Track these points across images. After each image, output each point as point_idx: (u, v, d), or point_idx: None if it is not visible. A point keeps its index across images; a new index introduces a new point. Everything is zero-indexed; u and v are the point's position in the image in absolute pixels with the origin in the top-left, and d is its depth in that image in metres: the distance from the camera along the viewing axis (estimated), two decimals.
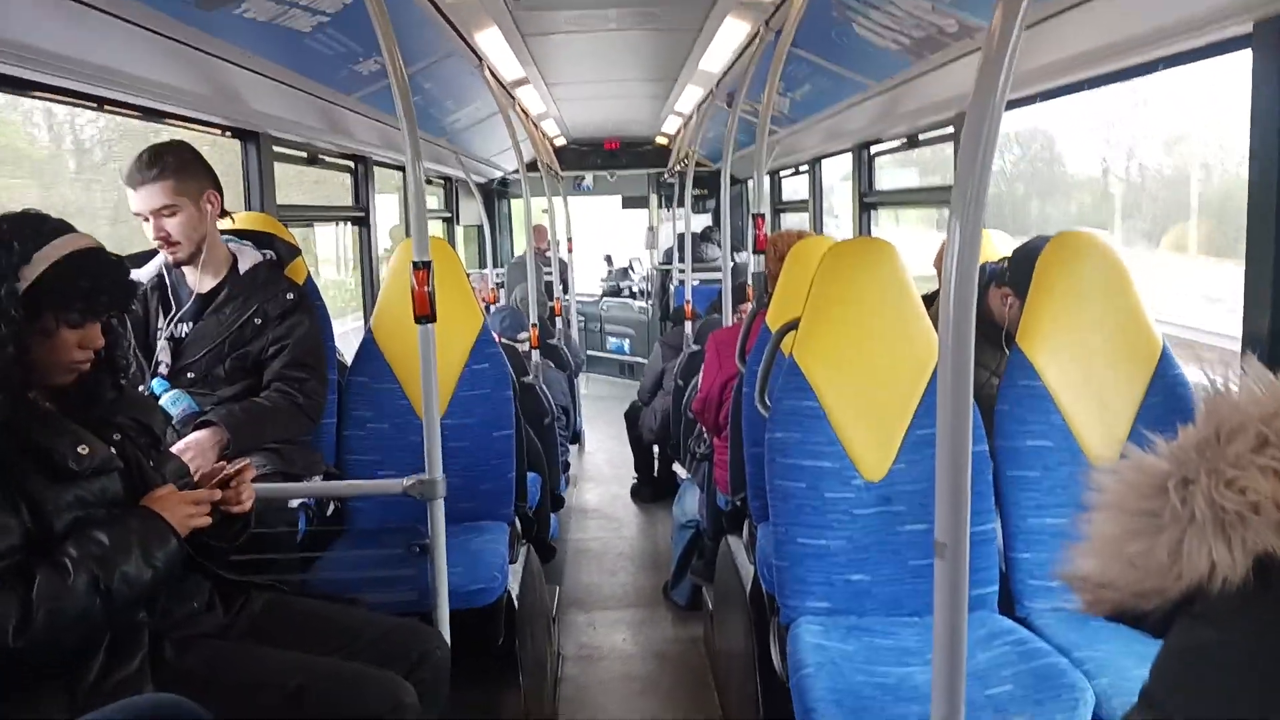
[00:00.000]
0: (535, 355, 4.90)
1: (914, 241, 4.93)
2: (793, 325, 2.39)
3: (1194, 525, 0.74)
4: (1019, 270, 2.54)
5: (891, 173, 4.67)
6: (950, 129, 3.38)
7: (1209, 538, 0.73)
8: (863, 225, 4.64)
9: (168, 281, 2.50)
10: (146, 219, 2.36)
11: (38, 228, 1.58)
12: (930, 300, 2.98)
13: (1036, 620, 2.18)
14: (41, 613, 1.44)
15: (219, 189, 2.43)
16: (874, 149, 4.49)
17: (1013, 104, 2.17)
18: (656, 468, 5.62)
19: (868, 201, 4.61)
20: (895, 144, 4.23)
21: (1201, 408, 0.79)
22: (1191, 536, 0.74)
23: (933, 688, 1.26)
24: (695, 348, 4.78)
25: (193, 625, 1.74)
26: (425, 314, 2.08)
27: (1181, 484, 0.76)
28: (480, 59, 4.07)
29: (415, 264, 2.05)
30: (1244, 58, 1.87)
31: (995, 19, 1.06)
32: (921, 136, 3.89)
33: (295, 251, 2.69)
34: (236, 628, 1.83)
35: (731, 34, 3.76)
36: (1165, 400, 2.24)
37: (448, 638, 2.14)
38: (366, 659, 1.82)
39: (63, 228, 1.61)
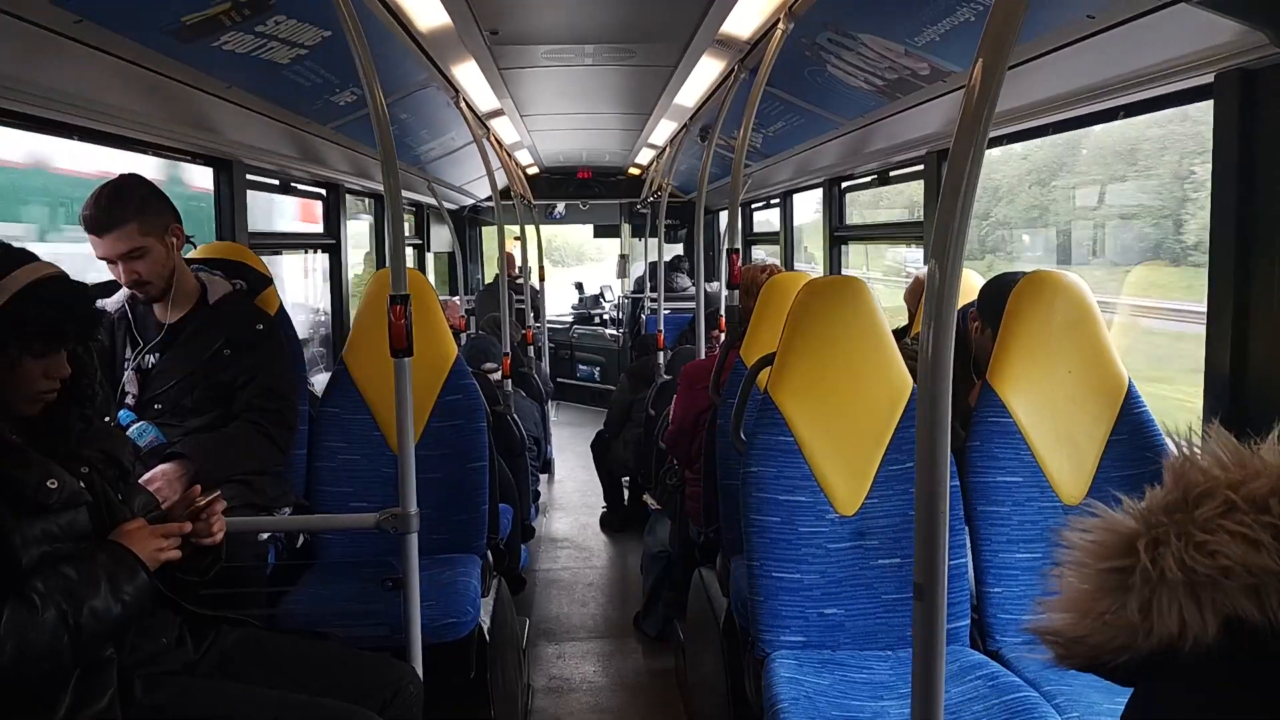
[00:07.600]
0: (507, 385, 4.88)
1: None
2: (768, 361, 2.41)
3: (1165, 585, 0.76)
4: (987, 300, 2.55)
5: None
6: (921, 166, 3.44)
7: (1180, 598, 0.75)
8: (833, 259, 4.70)
9: (134, 312, 2.46)
10: (113, 263, 2.31)
11: None
12: (900, 334, 3.01)
13: (1008, 654, 2.19)
14: (9, 647, 1.40)
15: (180, 220, 2.39)
16: (845, 184, 4.56)
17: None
18: (626, 497, 5.61)
19: (839, 235, 4.67)
20: (866, 179, 4.30)
21: (1168, 471, 0.81)
22: (1162, 596, 0.76)
23: None
24: (667, 377, 4.79)
25: (162, 661, 1.70)
26: (402, 348, 2.05)
27: (1152, 544, 0.78)
28: (457, 91, 4.09)
29: (393, 297, 2.03)
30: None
31: (976, 69, 1.09)
32: (892, 173, 3.97)
33: (266, 281, 2.66)
34: (206, 664, 1.79)
35: (707, 72, 3.81)
36: (1131, 438, 2.28)
37: (421, 673, 2.12)
38: (339, 695, 1.79)
39: (25, 257, 1.58)
